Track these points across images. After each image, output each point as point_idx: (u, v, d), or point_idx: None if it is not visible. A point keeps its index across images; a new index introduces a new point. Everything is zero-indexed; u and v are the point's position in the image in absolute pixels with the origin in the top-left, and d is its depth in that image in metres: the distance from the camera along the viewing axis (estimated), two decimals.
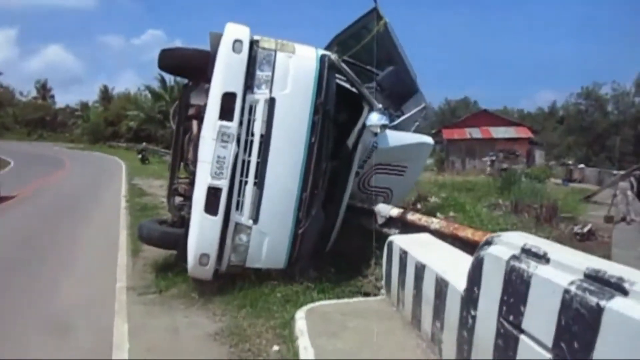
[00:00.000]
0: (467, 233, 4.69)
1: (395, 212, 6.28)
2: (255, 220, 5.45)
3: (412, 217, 5.90)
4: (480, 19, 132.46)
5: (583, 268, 1.97)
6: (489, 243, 2.73)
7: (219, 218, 5.28)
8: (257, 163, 5.45)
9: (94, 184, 18.74)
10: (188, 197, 5.94)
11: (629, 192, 15.44)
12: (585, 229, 11.10)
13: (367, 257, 5.99)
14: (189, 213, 5.55)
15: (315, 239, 5.78)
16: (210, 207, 5.27)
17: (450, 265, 3.57)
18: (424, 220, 5.62)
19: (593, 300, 1.82)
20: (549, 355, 2.07)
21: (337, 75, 6.15)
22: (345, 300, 5.01)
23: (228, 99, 5.30)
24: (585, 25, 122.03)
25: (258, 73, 5.45)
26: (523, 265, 2.32)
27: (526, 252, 2.37)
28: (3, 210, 11.65)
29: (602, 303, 1.77)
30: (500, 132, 39.63)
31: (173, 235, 5.99)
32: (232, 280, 5.48)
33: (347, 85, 6.48)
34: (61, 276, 6.31)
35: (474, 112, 48.27)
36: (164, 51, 6.31)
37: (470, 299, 2.86)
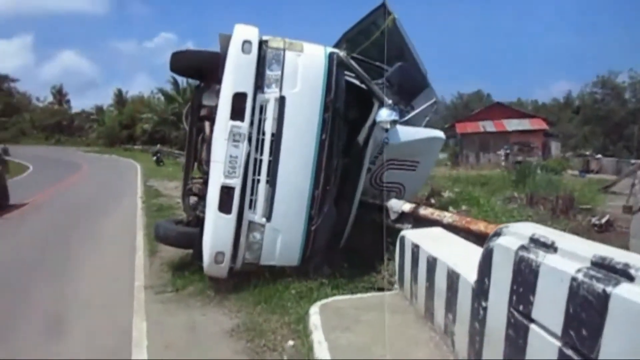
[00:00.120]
0: (480, 226, 4.69)
1: (407, 207, 6.29)
2: (269, 218, 5.52)
3: (424, 211, 5.91)
4: (493, 10, 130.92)
5: (590, 256, 1.98)
6: (498, 234, 2.75)
7: (232, 216, 5.35)
8: (269, 161, 5.51)
9: (110, 186, 19.10)
10: (202, 197, 6.03)
11: None
12: (603, 220, 10.93)
13: (381, 253, 6.00)
14: (204, 212, 5.64)
15: (328, 236, 5.83)
16: (224, 205, 5.35)
17: (461, 258, 3.59)
18: (436, 214, 5.62)
19: (600, 287, 1.84)
20: (558, 343, 2.09)
21: (346, 73, 6.18)
22: (359, 295, 5.04)
23: (239, 99, 5.37)
24: (600, 12, 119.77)
25: (268, 72, 5.50)
26: (531, 255, 2.34)
27: (534, 241, 2.38)
28: (22, 215, 11.92)
29: (609, 289, 1.79)
30: (514, 124, 39.18)
31: (189, 234, 6.10)
32: (247, 277, 5.56)
33: (357, 82, 6.51)
34: (81, 276, 6.47)
35: (487, 105, 47.74)
36: (175, 54, 6.40)
37: (481, 290, 2.88)
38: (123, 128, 56.42)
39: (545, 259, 2.23)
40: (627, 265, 1.80)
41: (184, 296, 5.54)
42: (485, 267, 2.80)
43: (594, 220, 11.02)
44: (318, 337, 3.86)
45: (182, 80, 42.02)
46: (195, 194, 6.52)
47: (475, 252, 3.57)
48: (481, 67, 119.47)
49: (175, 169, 23.04)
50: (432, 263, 3.87)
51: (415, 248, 4.32)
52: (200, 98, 6.48)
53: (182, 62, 6.40)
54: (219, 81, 5.58)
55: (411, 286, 4.43)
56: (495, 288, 2.70)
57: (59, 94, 79.71)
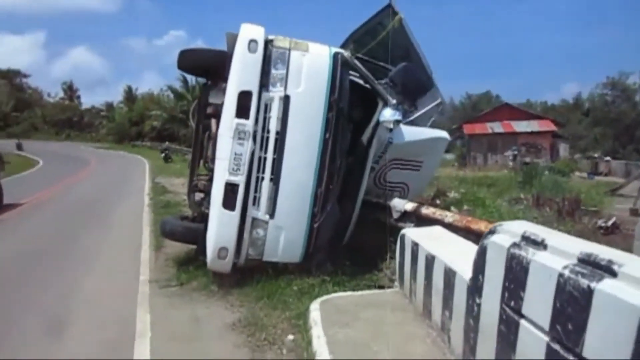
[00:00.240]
0: (480, 226, 4.74)
1: (409, 206, 6.35)
2: (272, 215, 5.60)
3: (426, 211, 5.96)
4: (503, 11, 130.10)
5: (577, 253, 2.04)
6: (492, 232, 2.81)
7: (236, 213, 5.44)
8: (273, 159, 5.59)
9: (118, 182, 19.31)
10: (208, 193, 6.12)
11: None
12: (610, 223, 10.89)
13: (383, 251, 6.06)
14: (209, 208, 5.74)
15: (331, 233, 5.90)
16: (228, 202, 5.44)
17: (459, 256, 3.64)
18: (437, 213, 5.68)
19: (585, 282, 1.89)
20: (546, 338, 2.15)
21: (352, 72, 6.24)
22: (359, 292, 5.10)
23: (244, 97, 5.45)
24: (611, 13, 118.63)
25: (273, 71, 5.58)
26: (522, 252, 2.39)
27: (526, 239, 2.44)
28: (30, 209, 12.11)
29: (593, 285, 1.84)
30: (522, 125, 38.97)
31: (193, 230, 6.19)
32: (250, 273, 5.64)
33: (362, 82, 6.57)
34: (88, 270, 6.59)
35: (496, 106, 47.49)
36: (183, 52, 6.48)
37: (475, 287, 2.94)
38: (132, 125, 56.81)
39: (535, 256, 2.28)
40: (611, 261, 1.85)
41: (188, 290, 5.63)
42: (480, 264, 2.86)
43: (600, 222, 10.96)
44: (317, 332, 3.94)
45: (192, 78, 42.25)
46: (201, 190, 6.61)
47: (472, 250, 3.62)
48: (491, 68, 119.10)
49: (183, 166, 23.13)
50: (430, 261, 3.93)
51: (415, 246, 4.38)
52: (207, 96, 6.55)
53: (189, 60, 6.48)
54: (225, 79, 5.66)
55: (410, 284, 4.49)
56: (488, 285, 2.76)
57: (70, 90, 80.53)
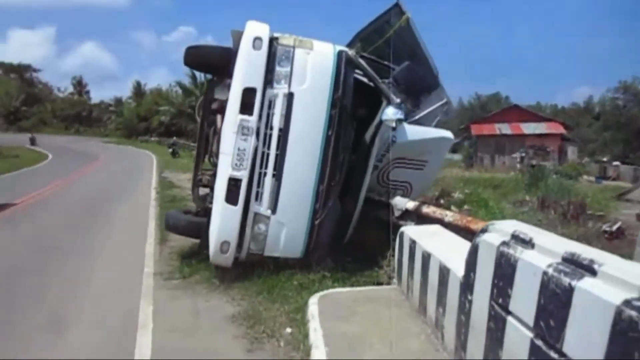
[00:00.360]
0: (480, 225, 4.76)
1: (411, 205, 6.40)
2: (274, 210, 5.68)
3: (427, 209, 6.01)
4: (515, 13, 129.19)
5: (562, 252, 2.09)
6: (484, 231, 2.87)
7: (239, 208, 5.52)
8: (276, 155, 5.66)
9: (126, 177, 19.50)
10: (212, 188, 6.21)
11: None
12: (615, 227, 10.86)
13: (384, 249, 6.12)
14: (212, 203, 5.83)
15: (332, 230, 5.97)
16: (231, 197, 5.52)
17: (454, 254, 3.69)
18: (438, 213, 5.72)
19: (566, 280, 1.95)
20: (530, 334, 2.21)
21: (356, 71, 6.29)
22: (358, 288, 5.18)
23: (248, 94, 5.53)
24: (626, 17, 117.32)
25: (277, 69, 5.65)
26: (511, 251, 2.45)
27: (515, 238, 2.50)
28: (38, 201, 12.30)
29: (573, 283, 1.90)
30: (530, 127, 38.72)
31: (197, 224, 6.29)
32: (251, 268, 5.73)
33: (366, 81, 6.62)
34: (93, 263, 6.71)
35: (505, 107, 47.23)
36: (189, 48, 6.56)
37: (467, 284, 3.00)
38: (141, 120, 57.29)
39: (523, 254, 2.34)
40: (592, 261, 1.90)
41: (191, 283, 5.73)
42: (472, 262, 2.92)
43: (604, 227, 10.94)
44: (314, 326, 4.02)
45: (200, 75, 42.21)
46: (205, 185, 6.71)
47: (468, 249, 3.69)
48: (501, 70, 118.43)
49: (190, 161, 23.22)
50: (426, 258, 3.99)
51: (413, 244, 4.44)
52: (212, 92, 6.63)
53: (195, 57, 6.56)
54: (230, 76, 5.74)
55: (408, 280, 4.56)
56: (479, 282, 2.82)
57: (79, 85, 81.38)
